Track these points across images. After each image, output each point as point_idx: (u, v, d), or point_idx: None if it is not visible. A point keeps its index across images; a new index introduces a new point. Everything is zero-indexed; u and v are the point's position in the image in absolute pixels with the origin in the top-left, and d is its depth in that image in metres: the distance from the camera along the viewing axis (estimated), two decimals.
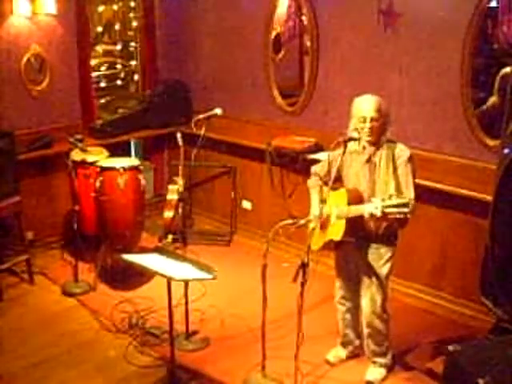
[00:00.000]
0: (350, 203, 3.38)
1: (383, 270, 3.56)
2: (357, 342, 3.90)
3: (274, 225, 3.51)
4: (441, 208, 4.43)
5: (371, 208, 3.15)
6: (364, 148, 3.49)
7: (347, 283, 3.75)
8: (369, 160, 3.49)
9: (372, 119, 3.40)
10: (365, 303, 3.64)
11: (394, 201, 3.10)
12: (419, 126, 4.50)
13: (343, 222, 3.38)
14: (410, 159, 3.44)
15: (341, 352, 3.93)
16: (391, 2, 4.48)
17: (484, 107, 4.26)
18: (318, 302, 4.45)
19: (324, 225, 3.51)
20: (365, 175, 3.50)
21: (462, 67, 4.21)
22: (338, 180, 3.56)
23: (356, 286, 3.70)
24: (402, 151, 3.44)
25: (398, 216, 3.11)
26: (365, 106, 3.43)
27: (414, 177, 3.46)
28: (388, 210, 3.09)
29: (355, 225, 3.39)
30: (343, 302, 3.81)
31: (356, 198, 3.42)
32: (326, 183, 3.55)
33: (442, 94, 4.36)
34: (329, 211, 3.46)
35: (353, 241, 3.51)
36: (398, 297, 4.61)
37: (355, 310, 3.79)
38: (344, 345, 3.93)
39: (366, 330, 3.71)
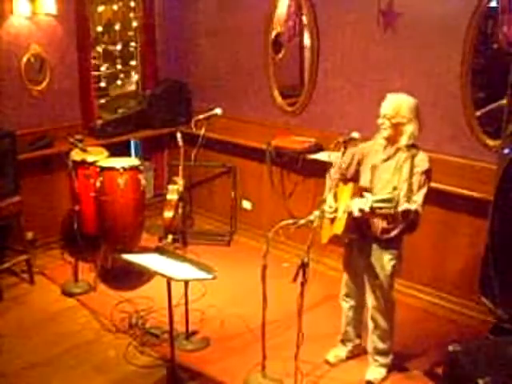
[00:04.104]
0: (352, 198, 3.39)
1: (386, 271, 3.56)
2: (356, 341, 3.92)
3: (274, 225, 3.51)
4: (441, 208, 4.43)
5: (358, 202, 3.21)
6: (385, 147, 3.50)
7: (352, 281, 3.77)
8: (386, 160, 3.49)
9: (385, 116, 3.42)
10: (369, 301, 3.67)
11: (381, 196, 3.16)
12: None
13: (346, 216, 3.39)
14: (428, 171, 3.41)
15: (341, 352, 3.93)
16: (391, 2, 4.48)
17: (495, 105, 4.21)
18: (317, 302, 4.46)
19: (333, 219, 3.52)
20: (379, 174, 3.50)
21: (461, 67, 4.21)
22: (355, 175, 3.59)
23: (361, 284, 3.72)
24: (422, 161, 3.40)
25: (384, 212, 3.14)
26: (386, 102, 3.46)
27: (428, 188, 3.43)
28: (376, 205, 3.14)
29: (356, 221, 3.39)
30: (347, 300, 3.83)
31: (358, 193, 3.42)
32: (343, 177, 3.59)
33: (442, 94, 4.36)
34: (338, 205, 3.49)
35: (354, 237, 3.52)
36: (398, 297, 4.58)
37: (358, 308, 3.81)
38: (344, 342, 3.94)
39: (370, 325, 3.72)
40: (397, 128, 3.43)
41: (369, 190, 3.45)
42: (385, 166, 3.49)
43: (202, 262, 3.60)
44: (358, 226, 3.45)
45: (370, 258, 3.57)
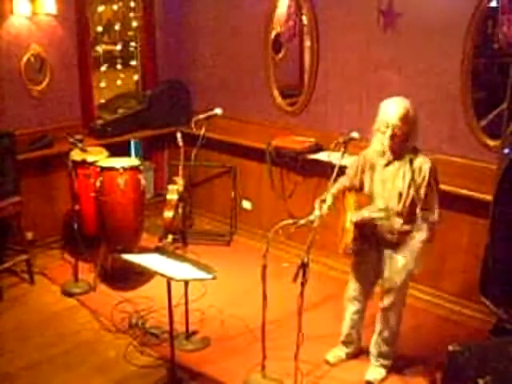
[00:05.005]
0: (356, 207, 3.42)
1: (399, 277, 3.53)
2: (357, 343, 3.92)
3: (274, 225, 3.51)
4: (441, 208, 4.41)
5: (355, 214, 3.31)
6: (385, 153, 3.45)
7: (360, 285, 3.75)
8: (386, 165, 3.48)
9: (394, 127, 3.32)
10: (381, 303, 3.67)
11: (375, 207, 3.32)
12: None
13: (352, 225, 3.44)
14: (432, 172, 3.38)
15: (341, 352, 3.93)
16: (391, 2, 4.49)
17: (498, 110, 4.12)
18: (318, 302, 4.46)
19: (343, 229, 3.57)
20: (381, 180, 3.49)
21: (461, 67, 4.21)
22: (362, 183, 3.62)
23: (368, 288, 3.74)
24: (424, 164, 3.37)
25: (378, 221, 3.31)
26: (390, 112, 3.34)
27: (437, 188, 3.45)
28: (374, 215, 3.26)
29: (363, 229, 3.44)
30: (354, 303, 3.82)
31: (361, 202, 3.46)
32: (351, 186, 3.61)
33: (441, 94, 4.36)
34: (346, 216, 3.54)
35: (365, 246, 3.56)
36: None
37: (363, 312, 3.82)
38: (345, 344, 3.93)
39: (377, 328, 3.71)
40: (404, 136, 3.37)
41: (370, 195, 3.48)
42: (386, 171, 3.48)
43: (202, 262, 3.60)
44: (365, 234, 3.49)
45: (383, 262, 3.57)
